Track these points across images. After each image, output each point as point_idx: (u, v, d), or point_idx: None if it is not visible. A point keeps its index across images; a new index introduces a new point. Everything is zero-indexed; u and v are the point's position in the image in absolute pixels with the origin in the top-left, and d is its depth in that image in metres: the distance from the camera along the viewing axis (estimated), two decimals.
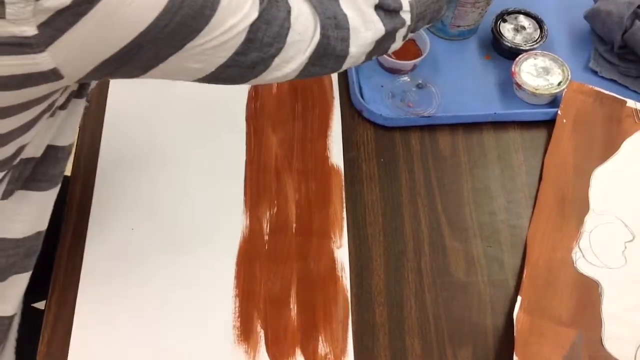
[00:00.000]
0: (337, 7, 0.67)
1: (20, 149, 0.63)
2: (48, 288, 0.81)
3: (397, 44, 0.75)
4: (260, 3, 0.60)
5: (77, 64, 0.53)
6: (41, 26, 0.48)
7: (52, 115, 0.65)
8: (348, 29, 0.67)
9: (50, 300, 0.80)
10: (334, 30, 0.66)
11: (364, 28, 0.68)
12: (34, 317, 0.86)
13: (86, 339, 0.78)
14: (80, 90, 0.69)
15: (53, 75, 0.53)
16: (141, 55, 0.55)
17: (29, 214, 0.71)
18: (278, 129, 0.95)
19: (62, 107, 0.67)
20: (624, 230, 0.88)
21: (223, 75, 0.62)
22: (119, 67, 0.56)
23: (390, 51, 0.76)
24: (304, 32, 0.64)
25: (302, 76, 0.68)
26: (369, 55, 0.73)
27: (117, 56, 0.54)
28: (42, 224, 0.74)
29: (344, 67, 0.71)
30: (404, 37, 0.75)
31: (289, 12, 0.62)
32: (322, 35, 0.65)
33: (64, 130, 0.69)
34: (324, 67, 0.69)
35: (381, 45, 0.72)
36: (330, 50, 0.67)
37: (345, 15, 0.67)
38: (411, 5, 0.72)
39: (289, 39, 0.63)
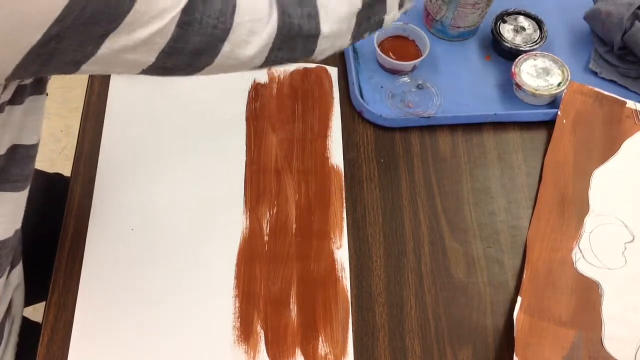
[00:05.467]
0: None
1: None
2: (47, 289, 0.81)
3: (393, 15, 0.67)
4: None
5: None
6: None
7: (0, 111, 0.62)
8: (315, 4, 0.60)
9: (49, 302, 0.80)
10: (296, 7, 0.59)
11: (336, 1, 0.61)
12: (33, 320, 0.86)
13: (86, 340, 0.78)
14: (37, 86, 0.65)
15: None
16: (64, 48, 0.51)
17: (5, 215, 0.68)
18: (278, 129, 0.95)
19: (15, 102, 0.63)
20: (624, 231, 0.88)
21: (168, 64, 0.56)
22: (45, 63, 0.52)
23: (386, 24, 0.67)
24: (254, 10, 0.57)
25: (269, 63, 0.62)
26: (356, 33, 0.65)
27: (37, 50, 0.50)
28: (19, 222, 0.71)
29: (320, 48, 0.63)
30: (400, 4, 0.66)
31: None
32: (282, 12, 0.59)
33: (27, 127, 0.66)
34: (292, 50, 0.62)
35: (369, 19, 0.65)
36: (295, 30, 0.60)
37: None
38: None
39: (237, 18, 0.56)
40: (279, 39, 0.60)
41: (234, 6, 0.56)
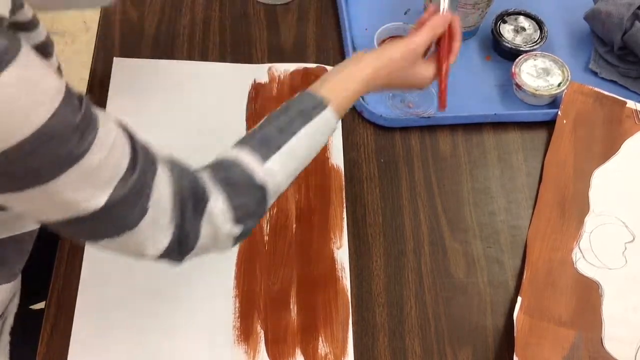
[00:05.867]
0: (197, 224, 0.61)
1: None
2: (47, 289, 0.81)
3: None
4: (115, 190, 0.54)
5: None
6: None
7: None
8: (202, 219, 0.62)
9: (50, 301, 0.80)
10: (179, 246, 0.61)
11: (210, 245, 0.64)
12: (32, 318, 0.86)
13: (86, 340, 0.78)
14: None
15: None
16: None
17: None
18: None
19: None
20: (624, 231, 0.88)
21: (61, 230, 0.58)
22: None
23: None
24: (148, 238, 0.59)
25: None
26: None
27: None
28: None
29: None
30: None
31: (142, 214, 0.57)
32: (171, 243, 0.60)
33: None
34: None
35: None
36: (173, 258, 0.63)
37: (197, 235, 0.61)
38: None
39: (128, 237, 0.58)
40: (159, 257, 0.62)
41: (132, 229, 0.57)
